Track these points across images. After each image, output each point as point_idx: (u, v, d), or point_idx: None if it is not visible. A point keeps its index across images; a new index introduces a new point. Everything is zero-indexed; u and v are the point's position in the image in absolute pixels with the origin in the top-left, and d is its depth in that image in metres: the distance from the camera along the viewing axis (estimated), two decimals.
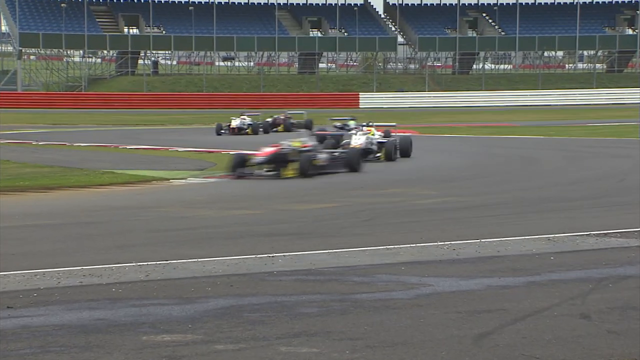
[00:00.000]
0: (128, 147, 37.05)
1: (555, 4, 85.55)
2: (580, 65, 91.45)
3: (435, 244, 13.42)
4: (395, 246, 13.22)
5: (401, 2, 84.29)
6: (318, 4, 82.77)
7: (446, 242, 13.44)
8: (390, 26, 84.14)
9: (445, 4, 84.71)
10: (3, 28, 78.76)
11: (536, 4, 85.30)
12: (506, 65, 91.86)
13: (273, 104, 67.00)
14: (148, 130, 47.57)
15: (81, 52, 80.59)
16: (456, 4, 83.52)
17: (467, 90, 77.02)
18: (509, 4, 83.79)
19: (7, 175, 24.01)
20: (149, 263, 11.81)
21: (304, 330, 8.41)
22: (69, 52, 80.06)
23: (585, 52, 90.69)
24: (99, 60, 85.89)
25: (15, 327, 8.54)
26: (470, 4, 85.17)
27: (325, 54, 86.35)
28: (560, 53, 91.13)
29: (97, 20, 77.69)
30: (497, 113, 64.62)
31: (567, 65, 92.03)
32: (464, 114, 62.30)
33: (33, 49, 78.84)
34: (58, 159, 30.67)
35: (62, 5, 74.89)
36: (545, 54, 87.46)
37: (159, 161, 30.67)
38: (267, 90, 74.81)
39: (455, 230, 15.00)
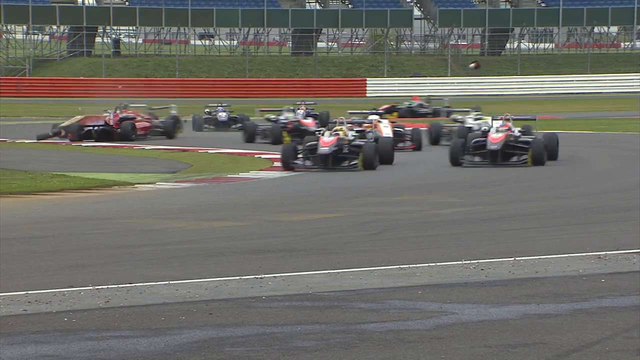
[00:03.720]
0: (83, 144, 37.03)
1: None
2: (638, 44, 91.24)
3: (460, 262, 13.43)
4: (411, 265, 13.24)
5: None
6: None
7: (472, 261, 13.46)
8: None
9: None
10: None
11: None
12: (547, 44, 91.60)
13: (261, 92, 67.03)
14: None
15: (24, 27, 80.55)
16: None
17: (498, 74, 76.93)
18: None
19: None
20: (109, 286, 11.82)
21: None
22: (9, 28, 79.98)
23: None
24: (46, 37, 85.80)
25: None
26: None
27: (325, 30, 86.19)
28: (614, 29, 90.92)
29: None
30: (535, 103, 64.53)
31: (622, 43, 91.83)
32: (495, 104, 62.17)
33: None
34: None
35: None
36: (596, 29, 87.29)
37: (121, 161, 30.71)
38: (254, 75, 74.73)
39: (483, 246, 15.02)
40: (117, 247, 15.54)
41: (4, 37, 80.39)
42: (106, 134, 37.99)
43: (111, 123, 38.08)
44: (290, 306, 10.96)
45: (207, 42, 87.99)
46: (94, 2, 79.29)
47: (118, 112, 38.62)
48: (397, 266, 13.23)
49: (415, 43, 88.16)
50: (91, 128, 38.09)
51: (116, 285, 11.91)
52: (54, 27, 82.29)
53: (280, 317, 10.41)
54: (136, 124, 38.79)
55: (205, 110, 45.77)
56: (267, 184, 25.40)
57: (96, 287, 11.77)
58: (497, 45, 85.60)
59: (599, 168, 28.39)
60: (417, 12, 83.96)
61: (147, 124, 39.61)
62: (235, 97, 65.06)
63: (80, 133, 37.74)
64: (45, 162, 29.83)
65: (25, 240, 16.21)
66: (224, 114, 44.67)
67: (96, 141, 37.51)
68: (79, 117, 39.21)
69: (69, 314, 10.47)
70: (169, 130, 39.55)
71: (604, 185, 24.10)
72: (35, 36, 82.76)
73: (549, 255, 13.99)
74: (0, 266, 13.80)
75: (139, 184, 24.92)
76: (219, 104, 46.18)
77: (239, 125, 42.54)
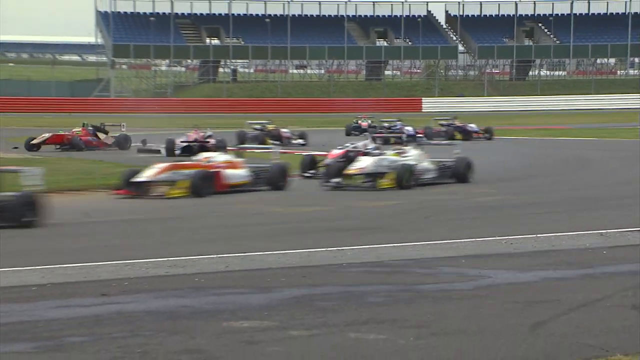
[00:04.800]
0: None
1: (608, 14, 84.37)
2: (631, 72, 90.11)
3: (494, 238, 13.32)
4: (456, 241, 13.15)
5: (462, 13, 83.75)
6: (384, 16, 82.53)
7: (504, 237, 13.34)
8: (451, 36, 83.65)
9: (504, 15, 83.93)
10: (98, 40, 79.63)
11: (590, 14, 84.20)
12: (561, 72, 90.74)
13: (342, 109, 67.03)
14: (227, 133, 47.64)
15: (167, 61, 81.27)
16: (514, 15, 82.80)
17: (523, 95, 76.24)
18: (563, 14, 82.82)
19: (101, 175, 24.23)
20: (228, 255, 11.87)
21: (371, 318, 8.39)
22: (156, 62, 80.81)
23: (636, 59, 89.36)
24: (183, 69, 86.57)
25: (110, 313, 8.63)
26: (527, 14, 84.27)
27: (390, 61, 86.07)
28: (612, 60, 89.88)
29: (182, 32, 78.32)
30: (552, 116, 63.91)
31: (618, 71, 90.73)
32: (521, 117, 61.73)
33: (124, 59, 79.65)
34: (148, 160, 30.79)
35: (151, 19, 75.66)
36: (598, 61, 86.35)
37: None
38: (337, 95, 74.75)
39: (513, 226, 14.88)
40: (233, 225, 15.62)
41: (152, 69, 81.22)
42: (202, 149, 32.87)
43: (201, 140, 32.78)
44: (364, 271, 10.92)
45: (302, 70, 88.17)
46: (218, 42, 79.67)
47: (198, 131, 33.26)
48: (446, 241, 13.16)
49: (460, 71, 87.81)
50: (187, 144, 32.50)
51: (234, 255, 11.95)
52: (189, 61, 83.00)
53: (357, 280, 10.38)
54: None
55: (353, 121, 43.50)
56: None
57: (219, 255, 11.81)
58: (522, 73, 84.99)
59: (603, 166, 28.03)
60: (461, 48, 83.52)
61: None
62: (321, 113, 65.22)
63: (173, 148, 32.22)
64: None
65: (166, 221, 16.38)
66: (366, 122, 42.62)
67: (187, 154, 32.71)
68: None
69: (198, 275, 10.52)
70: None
71: (607, 180, 23.78)
72: (175, 68, 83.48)
73: (563, 232, 13.84)
74: (147, 239, 13.95)
75: None
76: (362, 116, 44.22)
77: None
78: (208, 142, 31.29)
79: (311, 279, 10.31)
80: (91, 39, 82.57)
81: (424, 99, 72.63)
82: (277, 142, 34.64)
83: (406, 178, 20.53)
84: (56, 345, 7.45)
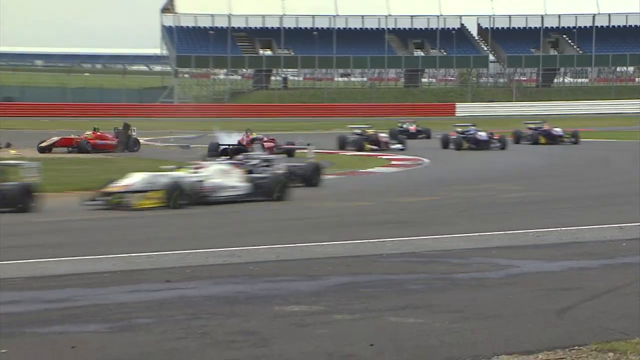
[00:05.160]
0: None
1: (627, 26, 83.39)
2: None
3: (522, 231, 13.21)
4: (487, 233, 13.06)
5: (492, 26, 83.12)
6: (421, 29, 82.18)
7: (531, 230, 13.23)
8: (482, 46, 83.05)
9: (531, 27, 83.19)
10: (164, 52, 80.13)
11: (610, 26, 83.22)
12: (583, 79, 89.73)
13: (383, 113, 66.87)
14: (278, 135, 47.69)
15: (225, 70, 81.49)
16: (540, 27, 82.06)
17: (549, 100, 75.52)
18: (586, 27, 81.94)
19: None
20: (279, 246, 11.89)
21: (410, 304, 8.36)
22: (215, 71, 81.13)
23: None
24: (239, 77, 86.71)
25: (173, 297, 8.68)
26: (553, 27, 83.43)
27: (427, 70, 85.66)
28: (630, 68, 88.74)
29: (238, 44, 78.53)
30: (575, 120, 63.24)
31: (637, 78, 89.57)
32: (552, 121, 61.14)
33: (186, 69, 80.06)
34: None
35: (210, 32, 76.01)
36: (618, 69, 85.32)
37: (286, 161, 30.79)
38: (378, 101, 74.53)
39: (539, 219, 14.75)
40: (283, 219, 15.63)
41: (211, 77, 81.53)
42: (238, 152, 30.41)
43: (244, 143, 31.02)
44: (403, 261, 10.88)
45: (346, 78, 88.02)
46: (270, 53, 79.76)
47: (249, 134, 32.00)
48: (477, 233, 13.07)
49: (490, 78, 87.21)
50: (227, 147, 30.61)
51: (284, 245, 11.97)
52: (244, 70, 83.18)
53: (396, 269, 10.34)
54: (264, 143, 31.67)
55: (398, 125, 41.66)
56: (385, 177, 25.30)
57: (271, 246, 11.83)
58: (547, 80, 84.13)
59: (622, 165, 27.68)
60: (491, 57, 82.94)
61: (272, 144, 32.14)
62: (363, 117, 65.03)
63: (216, 150, 30.26)
64: None
65: (222, 214, 16.39)
66: (413, 126, 41.71)
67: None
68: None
69: (252, 264, 10.54)
70: (289, 150, 31.65)
71: (626, 178, 23.45)
72: (232, 76, 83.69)
73: (585, 226, 13.70)
74: (206, 231, 14.00)
75: None
76: (405, 121, 42.84)
77: (424, 135, 40.65)
78: (245, 145, 29.50)
79: (355, 268, 10.29)
80: (157, 51, 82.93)
81: (457, 104, 72.17)
82: (376, 147, 33.91)
83: (175, 197, 16.65)
84: (126, 326, 7.50)
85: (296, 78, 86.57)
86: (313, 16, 79.41)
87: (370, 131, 35.84)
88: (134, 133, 34.88)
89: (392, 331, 7.33)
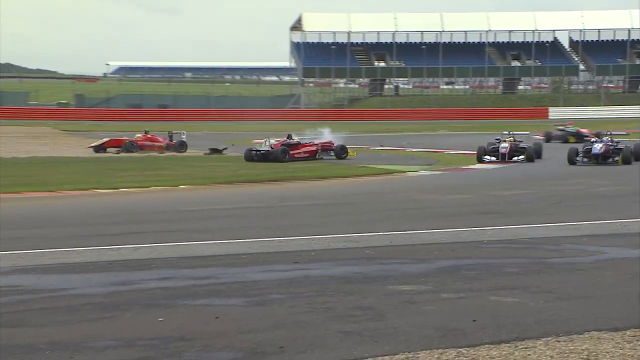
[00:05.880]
0: (374, 148, 37.22)
1: None
2: None
3: (610, 221, 12.82)
4: (578, 223, 12.72)
5: (583, 39, 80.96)
6: (518, 42, 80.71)
7: (618, 220, 12.83)
8: (573, 57, 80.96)
9: (618, 40, 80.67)
10: (292, 64, 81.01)
11: None
12: None
13: (483, 116, 66.04)
14: (389, 136, 47.67)
15: (344, 80, 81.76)
16: (627, 39, 79.61)
17: (634, 104, 73.06)
18: None
19: (292, 168, 24.66)
20: (392, 233, 11.84)
21: (508, 285, 8.22)
22: (336, 80, 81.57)
23: None
24: (356, 85, 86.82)
25: (300, 277, 8.74)
26: (639, 39, 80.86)
27: (522, 78, 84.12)
28: None
29: (356, 57, 78.63)
30: None
31: None
32: (633, 123, 59.09)
33: (311, 79, 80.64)
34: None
35: (332, 47, 76.50)
36: None
37: (398, 159, 30.73)
38: (478, 106, 73.55)
39: (625, 210, 14.27)
40: (395, 209, 15.56)
41: (333, 86, 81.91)
42: (264, 157, 28.36)
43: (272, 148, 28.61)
44: (502, 247, 10.69)
45: (450, 86, 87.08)
46: (384, 64, 79.57)
47: (280, 139, 29.56)
48: (569, 223, 12.75)
49: (580, 85, 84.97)
50: (255, 151, 28.75)
51: (396, 232, 11.91)
52: (361, 79, 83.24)
53: (496, 254, 10.17)
54: (296, 149, 29.23)
55: (558, 128, 40.36)
56: (485, 172, 24.91)
57: (384, 233, 11.80)
58: (633, 86, 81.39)
59: None
60: (581, 67, 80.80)
61: (313, 148, 29.85)
62: (465, 120, 64.32)
63: (250, 153, 28.65)
64: (352, 159, 29.91)
65: (341, 204, 16.46)
66: (571, 128, 39.58)
67: (259, 162, 27.96)
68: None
69: (368, 249, 10.53)
70: (338, 153, 29.99)
71: None
72: (350, 85, 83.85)
73: None
74: (328, 219, 14.03)
75: (409, 171, 24.89)
76: (565, 124, 41.62)
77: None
78: (271, 150, 28.12)
79: (458, 253, 10.17)
80: (286, 64, 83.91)
81: (550, 109, 70.60)
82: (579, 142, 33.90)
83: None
84: (260, 300, 7.60)
85: (406, 86, 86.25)
86: (422, 32, 78.91)
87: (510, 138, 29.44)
88: (183, 136, 34.68)
89: (493, 309, 7.22)
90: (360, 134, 48.54)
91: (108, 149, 33.05)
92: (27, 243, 10.86)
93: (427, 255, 10.02)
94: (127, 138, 34.14)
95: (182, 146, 33.98)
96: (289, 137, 30.00)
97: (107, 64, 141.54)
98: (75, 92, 74.91)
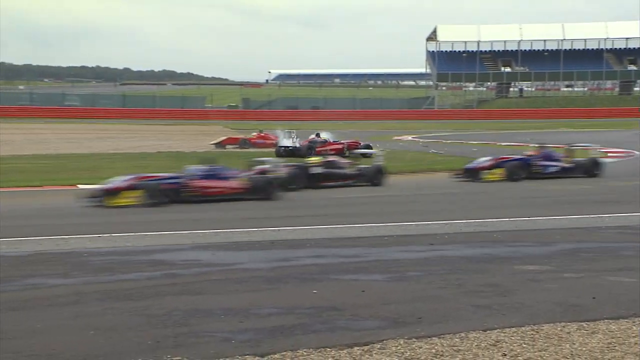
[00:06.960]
0: (503, 143, 36.03)
1: None
2: None
3: None
4: (633, 214, 11.94)
5: None
6: (635, 48, 76.66)
7: None
8: None
9: None
10: (427, 70, 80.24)
11: None
12: None
13: (598, 115, 63.29)
14: (511, 133, 46.10)
15: (474, 84, 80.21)
16: None
17: None
18: None
19: (427, 162, 24.25)
20: (518, 219, 11.52)
21: (624, 266, 7.83)
22: (466, 84, 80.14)
23: None
24: (484, 89, 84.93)
25: (435, 257, 8.63)
26: None
27: (638, 81, 79.74)
28: None
29: (484, 63, 76.97)
30: None
31: None
32: None
33: (444, 83, 79.57)
34: (452, 151, 29.62)
35: (463, 54, 75.41)
36: None
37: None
38: (597, 106, 70.40)
39: None
40: (521, 197, 15.07)
41: (463, 89, 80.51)
42: (291, 153, 26.41)
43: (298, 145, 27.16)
44: (618, 232, 10.17)
45: (570, 89, 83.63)
46: (510, 69, 77.41)
47: (310, 136, 27.92)
48: (628, 214, 12.01)
49: None
50: (283, 147, 26.98)
51: (521, 218, 11.57)
52: (489, 83, 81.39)
53: (612, 238, 9.67)
54: (323, 147, 26.86)
55: None
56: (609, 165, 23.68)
57: (511, 219, 11.49)
58: None
59: None
60: None
61: (339, 147, 27.40)
62: (583, 119, 61.76)
63: (279, 151, 26.68)
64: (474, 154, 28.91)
65: (472, 194, 16.12)
66: None
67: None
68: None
69: (496, 232, 10.28)
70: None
71: None
72: (479, 88, 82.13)
73: None
74: (458, 206, 13.73)
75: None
76: None
77: None
78: (299, 146, 26.42)
79: (578, 237, 9.78)
80: (422, 70, 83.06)
81: None
82: None
83: None
84: (400, 277, 7.57)
85: (530, 89, 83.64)
86: (544, 40, 76.42)
87: None
88: (294, 136, 32.04)
89: (610, 287, 6.90)
90: (488, 131, 47.35)
91: (226, 146, 32.64)
92: (204, 225, 11.26)
93: (549, 238, 9.69)
94: (242, 136, 33.28)
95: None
96: (317, 135, 28.53)
97: (269, 72, 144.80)
98: (242, 96, 77.07)
